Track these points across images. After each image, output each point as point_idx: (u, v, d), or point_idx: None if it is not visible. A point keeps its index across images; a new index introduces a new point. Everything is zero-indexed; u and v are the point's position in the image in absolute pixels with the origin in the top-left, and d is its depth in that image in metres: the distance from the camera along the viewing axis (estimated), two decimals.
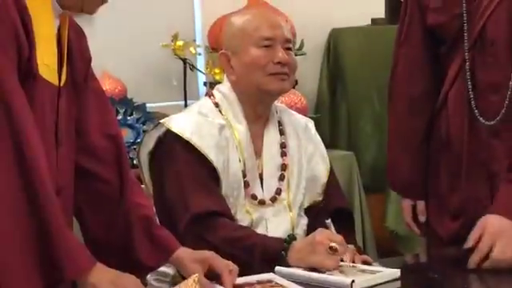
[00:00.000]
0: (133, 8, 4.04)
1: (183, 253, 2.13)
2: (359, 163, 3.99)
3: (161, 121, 2.48)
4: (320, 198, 2.54)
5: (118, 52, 3.97)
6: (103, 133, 2.11)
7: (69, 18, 1.97)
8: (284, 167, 2.48)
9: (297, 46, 4.05)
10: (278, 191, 2.46)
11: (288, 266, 2.23)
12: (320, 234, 2.24)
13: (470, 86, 2.46)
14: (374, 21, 4.29)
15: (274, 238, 2.32)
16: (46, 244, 1.76)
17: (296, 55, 3.89)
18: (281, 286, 2.05)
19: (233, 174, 2.41)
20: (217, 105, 2.48)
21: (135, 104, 3.70)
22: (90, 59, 2.10)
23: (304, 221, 2.50)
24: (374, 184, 4.02)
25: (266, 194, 2.44)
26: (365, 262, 2.27)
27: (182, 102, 3.86)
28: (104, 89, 3.59)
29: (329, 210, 2.55)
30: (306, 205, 2.51)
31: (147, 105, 3.74)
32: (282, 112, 2.56)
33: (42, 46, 1.86)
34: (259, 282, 2.07)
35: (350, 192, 3.83)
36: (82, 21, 3.89)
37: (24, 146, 1.76)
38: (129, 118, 3.67)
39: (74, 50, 2.00)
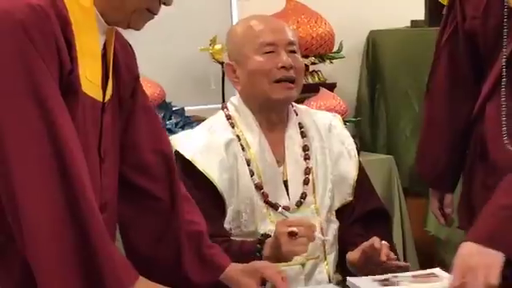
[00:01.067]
0: (171, 13, 3.99)
1: (233, 269, 2.14)
2: (399, 167, 4.00)
3: (170, 137, 2.52)
4: (350, 199, 2.52)
5: (157, 56, 4.00)
6: (154, 149, 2.12)
7: (117, 34, 1.99)
8: (308, 171, 2.47)
9: (335, 48, 4.11)
10: (304, 195, 2.45)
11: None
12: (278, 225, 2.26)
13: (504, 102, 2.45)
14: (413, 23, 4.30)
15: (249, 242, 2.34)
16: (89, 260, 1.77)
17: (335, 58, 4.04)
18: None
19: (243, 190, 2.41)
20: (229, 117, 2.49)
21: (174, 108, 3.77)
22: (137, 76, 2.11)
23: (335, 225, 2.50)
24: (414, 188, 4.01)
25: (292, 199, 2.44)
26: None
27: (220, 105, 3.84)
28: None
29: (364, 211, 2.53)
30: (336, 206, 2.51)
31: (186, 108, 3.80)
32: (303, 113, 2.55)
33: (86, 62, 1.88)
34: None
35: (390, 196, 3.86)
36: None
37: (67, 164, 1.77)
38: (167, 122, 3.70)
39: (121, 66, 2.02)
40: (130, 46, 2.10)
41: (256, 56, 2.43)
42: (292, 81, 2.44)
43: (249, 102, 2.47)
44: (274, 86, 2.42)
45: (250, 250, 2.30)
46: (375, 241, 2.30)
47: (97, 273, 1.77)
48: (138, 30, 1.97)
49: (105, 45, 1.96)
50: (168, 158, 2.14)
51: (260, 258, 2.27)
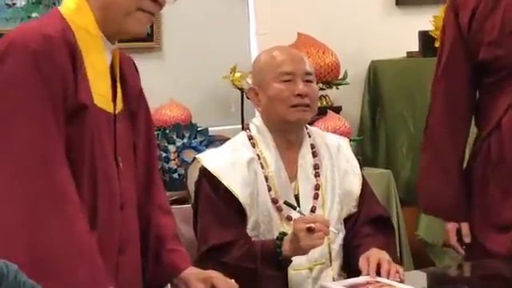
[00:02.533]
0: (197, 45, 4.24)
1: (190, 272, 2.16)
2: (396, 180, 4.11)
3: (196, 156, 2.61)
4: (355, 210, 2.59)
5: (185, 83, 4.19)
6: (145, 162, 2.17)
7: (121, 52, 2.07)
8: (318, 187, 2.55)
9: (341, 75, 4.26)
10: (313, 208, 2.52)
11: (287, 258, 2.35)
12: (296, 223, 2.33)
13: None
14: (409, 54, 4.42)
15: (268, 241, 2.42)
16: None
17: (340, 84, 4.18)
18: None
19: (262, 204, 2.48)
20: (251, 137, 2.55)
21: (199, 128, 3.89)
22: (140, 90, 2.15)
23: (341, 235, 2.56)
24: (409, 198, 4.11)
25: (303, 212, 2.46)
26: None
27: (240, 126, 3.97)
28: (172, 115, 4.00)
29: (369, 218, 2.59)
30: (343, 216, 2.58)
31: (209, 128, 3.92)
32: (315, 135, 2.63)
33: (97, 78, 1.95)
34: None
35: (388, 205, 3.96)
36: (153, 57, 4.33)
37: (51, 178, 1.82)
38: (193, 141, 3.85)
39: (127, 81, 2.09)
40: (134, 62, 2.17)
41: (276, 83, 2.50)
42: (306, 106, 2.50)
43: (268, 122, 2.55)
44: (290, 109, 2.49)
45: (271, 247, 2.38)
46: (382, 263, 2.34)
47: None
48: (139, 34, 2.00)
49: (112, 63, 2.04)
50: (152, 169, 2.18)
51: (280, 254, 2.36)
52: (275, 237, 2.44)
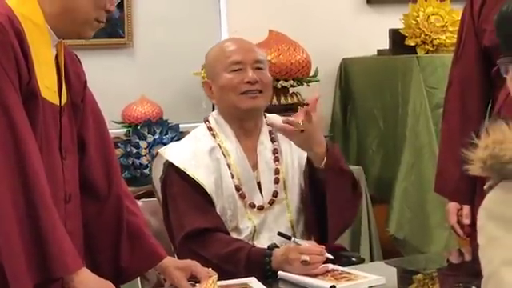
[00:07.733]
0: (169, 41, 4.26)
1: (168, 261, 2.21)
2: (366, 176, 4.14)
3: (159, 150, 2.64)
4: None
5: (156, 79, 4.22)
6: (98, 149, 2.19)
7: (64, 46, 2.10)
8: (277, 171, 2.58)
9: (312, 73, 4.28)
10: (275, 193, 2.56)
11: (273, 271, 2.35)
12: (293, 252, 2.33)
13: None
14: (379, 51, 4.45)
15: (257, 252, 2.40)
16: (38, 243, 1.85)
17: (311, 82, 4.22)
18: None
19: (226, 190, 2.51)
20: (210, 129, 2.59)
21: (170, 124, 3.94)
22: (85, 82, 2.17)
23: (304, 218, 2.60)
24: (379, 195, 4.21)
25: (265, 198, 2.55)
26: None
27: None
28: (143, 111, 4.03)
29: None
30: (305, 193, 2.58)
31: (180, 125, 3.95)
32: (274, 121, 2.63)
33: (43, 70, 1.96)
34: (236, 285, 2.23)
35: None
36: (124, 54, 4.32)
37: (26, 161, 1.86)
38: (164, 136, 3.89)
39: (71, 74, 2.11)
40: (77, 56, 2.19)
41: (226, 73, 2.54)
42: (259, 92, 2.53)
43: (224, 113, 2.59)
44: (240, 97, 2.52)
45: (258, 259, 2.38)
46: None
47: (46, 259, 1.85)
48: (87, 38, 2.08)
49: (56, 56, 2.06)
50: (108, 157, 2.20)
51: (269, 270, 2.35)
52: (240, 228, 2.49)
